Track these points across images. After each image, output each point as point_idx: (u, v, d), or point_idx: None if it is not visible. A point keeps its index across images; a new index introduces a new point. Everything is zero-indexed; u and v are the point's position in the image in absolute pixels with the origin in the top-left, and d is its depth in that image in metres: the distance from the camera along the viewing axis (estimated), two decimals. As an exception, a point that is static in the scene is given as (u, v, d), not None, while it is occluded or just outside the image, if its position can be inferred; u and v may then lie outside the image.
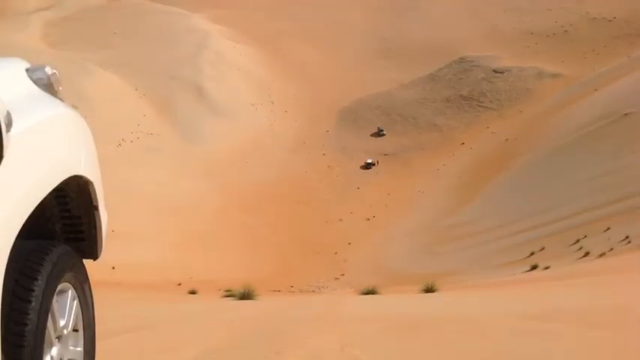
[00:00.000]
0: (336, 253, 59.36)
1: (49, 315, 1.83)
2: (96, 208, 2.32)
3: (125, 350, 4.65)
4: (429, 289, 12.30)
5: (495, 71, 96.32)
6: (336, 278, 51.27)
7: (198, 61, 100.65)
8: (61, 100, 2.30)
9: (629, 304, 6.67)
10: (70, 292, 2.05)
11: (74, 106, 2.41)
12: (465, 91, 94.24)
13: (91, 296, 2.27)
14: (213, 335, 5.54)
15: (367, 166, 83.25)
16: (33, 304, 1.73)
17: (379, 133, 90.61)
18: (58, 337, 1.92)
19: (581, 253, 25.19)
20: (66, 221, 2.30)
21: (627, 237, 23.67)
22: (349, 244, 61.55)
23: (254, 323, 6.72)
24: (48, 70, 2.28)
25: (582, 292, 9.66)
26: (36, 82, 2.21)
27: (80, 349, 2.12)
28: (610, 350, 4.15)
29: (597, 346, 4.24)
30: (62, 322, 1.95)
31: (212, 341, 5.10)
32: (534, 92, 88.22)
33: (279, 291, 37.03)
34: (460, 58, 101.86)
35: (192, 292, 20.74)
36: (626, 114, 53.21)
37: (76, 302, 2.10)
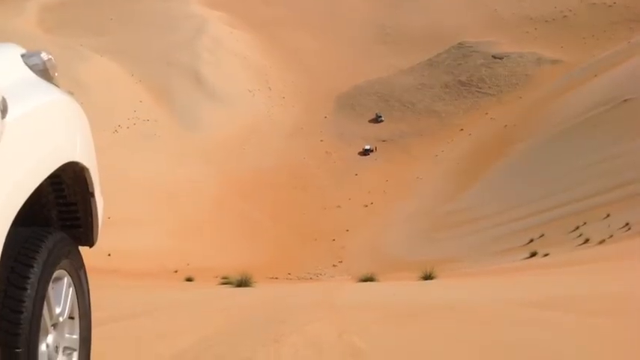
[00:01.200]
0: (334, 239, 59.55)
1: (45, 302, 1.81)
2: (92, 194, 2.32)
3: (122, 337, 4.61)
4: (428, 277, 12.30)
5: (494, 57, 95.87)
6: (334, 265, 51.51)
7: (195, 47, 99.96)
8: (56, 86, 2.29)
9: (629, 291, 6.65)
10: (66, 280, 2.04)
11: (70, 92, 2.42)
12: (464, 76, 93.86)
13: (87, 283, 2.27)
14: (210, 323, 5.50)
15: (365, 153, 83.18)
16: (28, 291, 1.71)
17: (377, 120, 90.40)
18: (54, 325, 1.91)
19: (581, 239, 25.25)
20: (62, 208, 2.29)
21: (627, 224, 23.72)
22: (347, 230, 61.74)
23: (251, 311, 6.69)
24: (44, 55, 2.27)
25: (582, 279, 9.66)
26: (32, 68, 2.20)
27: (76, 336, 2.11)
28: (610, 337, 4.12)
29: (597, 334, 4.21)
30: (58, 310, 1.94)
31: (209, 329, 5.06)
32: (534, 78, 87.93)
33: (276, 278, 37.20)
34: (459, 43, 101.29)
35: (189, 280, 20.79)
36: (625, 100, 53.09)
37: (71, 289, 2.09)
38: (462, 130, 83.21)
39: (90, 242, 2.42)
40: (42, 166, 1.89)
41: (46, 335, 1.84)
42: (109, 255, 35.73)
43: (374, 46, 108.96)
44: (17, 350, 1.64)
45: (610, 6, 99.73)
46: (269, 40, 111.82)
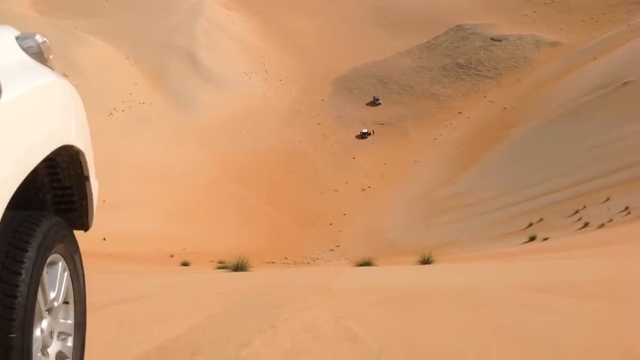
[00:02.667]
0: (331, 224, 59.69)
1: (40, 287, 1.81)
2: (87, 178, 2.31)
3: (117, 322, 4.55)
4: (426, 261, 12.26)
5: (493, 39, 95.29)
6: (331, 250, 51.71)
7: (191, 30, 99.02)
8: (51, 68, 2.28)
9: (628, 276, 6.62)
10: (61, 264, 2.04)
11: (65, 75, 2.40)
12: (463, 59, 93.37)
13: (82, 268, 2.26)
14: (205, 308, 5.45)
15: (363, 136, 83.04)
16: (23, 276, 1.70)
17: (375, 102, 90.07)
18: (49, 310, 1.91)
19: (581, 224, 25.27)
20: (56, 192, 2.30)
21: (627, 207, 23.74)
22: (344, 214, 61.88)
23: (247, 296, 6.65)
24: (38, 38, 2.25)
25: (582, 263, 9.63)
26: (26, 50, 2.19)
27: (71, 321, 2.11)
28: (609, 322, 4.08)
29: (596, 319, 4.17)
30: (53, 295, 1.94)
31: (205, 314, 5.00)
32: (533, 61, 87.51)
33: (273, 262, 37.33)
34: (457, 26, 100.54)
35: (185, 264, 20.81)
36: (625, 83, 52.95)
37: (66, 274, 2.09)
38: (460, 113, 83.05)
39: (85, 226, 2.41)
40: (37, 149, 1.88)
41: (41, 320, 1.83)
42: (104, 239, 35.77)
43: (372, 28, 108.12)
44: (11, 335, 1.62)
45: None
46: (266, 22, 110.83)
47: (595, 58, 69.62)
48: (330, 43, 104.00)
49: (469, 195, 52.30)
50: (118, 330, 4.24)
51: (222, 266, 13.99)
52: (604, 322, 4.06)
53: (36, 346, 1.76)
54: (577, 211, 29.04)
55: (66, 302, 2.09)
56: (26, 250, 1.75)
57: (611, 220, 22.56)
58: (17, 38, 2.18)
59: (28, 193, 2.14)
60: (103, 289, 6.21)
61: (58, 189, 2.28)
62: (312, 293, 6.42)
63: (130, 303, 5.72)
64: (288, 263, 42.29)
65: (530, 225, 31.50)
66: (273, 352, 3.45)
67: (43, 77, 2.09)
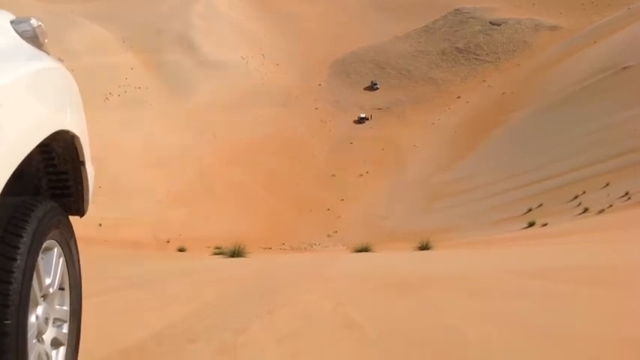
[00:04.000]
0: (328, 209, 59.79)
1: (35, 273, 1.80)
2: (82, 163, 2.31)
3: (112, 308, 4.53)
4: (424, 247, 12.25)
5: (492, 23, 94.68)
6: (329, 235, 51.83)
7: (187, 13, 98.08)
8: (46, 53, 2.28)
9: (628, 262, 6.61)
10: (56, 250, 2.03)
11: (60, 59, 2.40)
12: (461, 43, 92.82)
13: (77, 254, 2.27)
14: (202, 294, 5.42)
15: (360, 121, 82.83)
16: (18, 262, 1.69)
17: (373, 87, 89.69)
18: (44, 296, 1.90)
19: (580, 209, 25.27)
20: (52, 177, 2.29)
21: (627, 193, 23.73)
22: (342, 200, 61.95)
23: (244, 282, 6.63)
24: (33, 22, 2.24)
25: (581, 249, 9.63)
26: (21, 34, 2.19)
27: (66, 307, 2.11)
28: (609, 308, 4.07)
29: (595, 304, 4.16)
30: (48, 281, 1.93)
31: (202, 300, 4.99)
32: (532, 45, 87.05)
33: (270, 248, 37.43)
34: (456, 9, 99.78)
35: (181, 250, 20.79)
36: (625, 67, 52.78)
37: (62, 260, 2.08)
38: (459, 97, 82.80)
39: (81, 212, 2.42)
40: (31, 134, 1.86)
41: (36, 307, 1.81)
42: (100, 225, 35.76)
43: (369, 12, 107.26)
44: (6, 322, 1.61)
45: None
46: (263, 6, 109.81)
47: (595, 42, 69.26)
48: (327, 27, 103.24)
49: (468, 180, 52.37)
50: (114, 316, 4.22)
51: (219, 252, 13.96)
52: (603, 308, 4.05)
53: (31, 332, 1.75)
54: (576, 197, 29.07)
55: (61, 288, 2.08)
56: (21, 236, 1.73)
57: (611, 206, 22.56)
58: (12, 22, 2.18)
59: (23, 179, 2.10)
60: (99, 276, 6.18)
61: (54, 174, 2.27)
62: (309, 280, 6.39)
63: (126, 289, 5.69)
64: (285, 249, 42.42)
65: (530, 210, 31.55)
66: (270, 338, 3.43)
67: (39, 62, 2.09)
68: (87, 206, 2.44)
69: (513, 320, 3.71)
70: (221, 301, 5.01)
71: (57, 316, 2.03)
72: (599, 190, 27.78)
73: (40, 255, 1.86)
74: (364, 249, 12.62)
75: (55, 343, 1.99)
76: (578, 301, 4.30)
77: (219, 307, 4.65)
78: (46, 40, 2.34)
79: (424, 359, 3.02)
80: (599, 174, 31.37)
